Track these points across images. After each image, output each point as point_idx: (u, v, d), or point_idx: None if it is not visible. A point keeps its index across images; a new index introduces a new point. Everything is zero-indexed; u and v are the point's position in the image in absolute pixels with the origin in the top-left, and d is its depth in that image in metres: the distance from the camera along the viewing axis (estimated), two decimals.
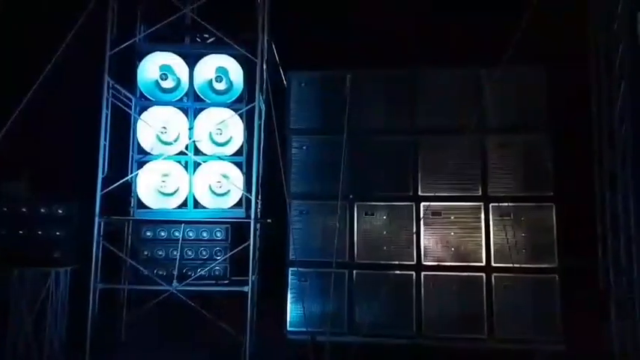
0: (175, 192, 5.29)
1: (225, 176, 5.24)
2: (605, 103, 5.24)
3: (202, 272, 5.19)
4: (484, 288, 5.22)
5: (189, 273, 5.21)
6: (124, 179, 5.24)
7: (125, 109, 5.47)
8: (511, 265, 5.12)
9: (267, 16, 5.33)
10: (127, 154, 5.48)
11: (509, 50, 4.62)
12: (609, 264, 5.12)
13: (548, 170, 5.30)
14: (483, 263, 5.26)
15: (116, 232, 5.46)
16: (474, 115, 5.14)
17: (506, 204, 5.26)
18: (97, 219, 5.04)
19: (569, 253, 5.30)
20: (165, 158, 5.25)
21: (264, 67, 5.32)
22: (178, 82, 5.38)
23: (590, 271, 5.31)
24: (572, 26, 5.51)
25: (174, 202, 5.26)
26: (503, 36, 4.62)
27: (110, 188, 5.11)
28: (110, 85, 5.25)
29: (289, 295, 5.41)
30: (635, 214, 4.97)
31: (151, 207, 5.24)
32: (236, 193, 5.24)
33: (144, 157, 5.30)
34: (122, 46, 5.24)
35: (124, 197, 5.34)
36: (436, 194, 5.36)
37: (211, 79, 5.32)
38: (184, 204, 5.23)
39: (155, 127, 5.27)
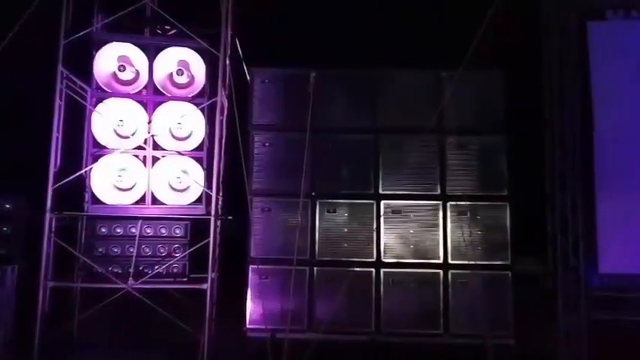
0: (132, 187, 5.16)
1: (184, 172, 5.15)
2: (557, 107, 5.48)
3: (160, 270, 5.09)
4: (441, 285, 5.34)
5: (147, 270, 5.10)
6: (78, 173, 5.06)
7: (80, 100, 5.27)
8: (467, 262, 5.26)
9: (231, 10, 5.26)
10: (81, 148, 5.29)
11: (468, 54, 4.75)
12: (558, 262, 5.35)
13: (503, 171, 5.47)
14: (441, 260, 5.38)
15: (69, 228, 5.26)
16: (434, 116, 5.25)
17: (463, 203, 5.39)
18: (47, 214, 4.85)
19: (521, 251, 5.51)
20: (122, 152, 5.10)
21: (227, 62, 5.26)
22: (137, 74, 5.23)
23: (542, 269, 5.54)
24: (528, 32, 5.72)
25: (131, 198, 5.13)
26: (463, 40, 4.74)
27: (62, 182, 4.93)
28: (64, 75, 5.06)
29: (249, 293, 5.36)
30: (583, 214, 5.24)
31: (107, 202, 5.09)
32: (196, 189, 5.15)
33: (99, 150, 5.13)
34: (77, 35, 5.05)
35: (78, 192, 5.16)
36: (396, 192, 5.45)
37: (172, 72, 5.21)
38: (142, 200, 5.11)
39: (112, 119, 5.10)
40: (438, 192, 5.46)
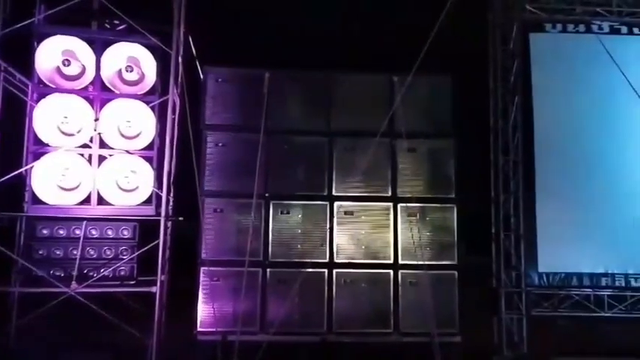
0: (77, 187, 4.94)
1: (133, 171, 4.99)
2: (501, 114, 5.76)
3: (106, 272, 4.90)
4: (391, 284, 5.45)
5: (91, 274, 4.89)
6: (17, 171, 4.79)
7: (20, 95, 5.00)
8: (417, 262, 5.39)
9: (184, 6, 5.15)
10: (21, 145, 5.01)
11: (419, 59, 4.90)
12: (501, 261, 5.61)
13: (451, 174, 5.65)
14: (391, 261, 5.49)
15: (7, 229, 4.97)
16: (386, 119, 5.36)
17: (413, 205, 5.52)
18: None
19: (468, 251, 5.72)
20: (66, 150, 4.88)
21: (180, 59, 5.14)
22: (83, 69, 5.02)
23: (486, 268, 5.78)
24: (476, 41, 5.97)
25: (75, 198, 4.91)
26: (414, 47, 4.88)
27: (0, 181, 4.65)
28: (2, 67, 4.80)
29: (200, 295, 5.26)
30: (524, 215, 5.54)
31: (48, 202, 4.85)
32: (145, 190, 5.01)
33: (41, 148, 4.90)
34: (18, 26, 4.79)
35: (17, 192, 4.88)
36: (349, 194, 5.51)
37: (121, 69, 5.04)
38: (87, 200, 4.92)
39: (55, 116, 4.87)
40: (389, 194, 5.57)
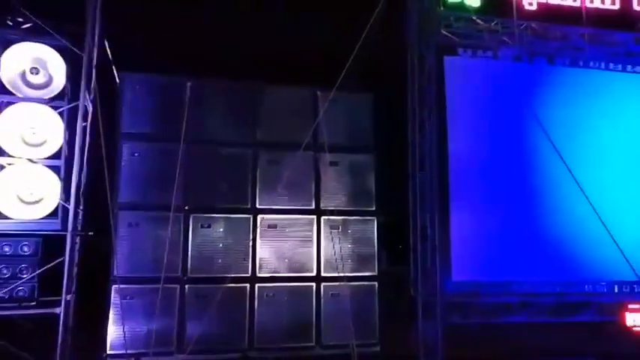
0: None
1: (37, 182, 4.59)
2: (419, 131, 6.02)
3: (0, 294, 4.43)
4: (314, 297, 5.45)
5: None
6: None
7: None
8: (338, 274, 5.43)
9: (99, 7, 4.85)
10: None
11: (341, 76, 5.00)
12: (419, 271, 5.82)
13: (371, 187, 5.80)
14: (314, 273, 5.50)
15: None
16: (310, 133, 5.39)
17: (335, 217, 5.58)
18: None
19: (388, 262, 5.89)
20: None
21: (93, 63, 4.83)
22: None
23: (405, 278, 5.96)
24: (396, 61, 6.21)
25: None
26: (339, 63, 4.98)
27: None
28: None
29: (111, 315, 4.91)
30: (440, 226, 5.79)
31: None
32: (51, 202, 4.62)
33: None
34: None
35: None
36: (273, 207, 5.46)
37: (24, 70, 4.66)
38: None
39: None
40: (313, 207, 5.59)
